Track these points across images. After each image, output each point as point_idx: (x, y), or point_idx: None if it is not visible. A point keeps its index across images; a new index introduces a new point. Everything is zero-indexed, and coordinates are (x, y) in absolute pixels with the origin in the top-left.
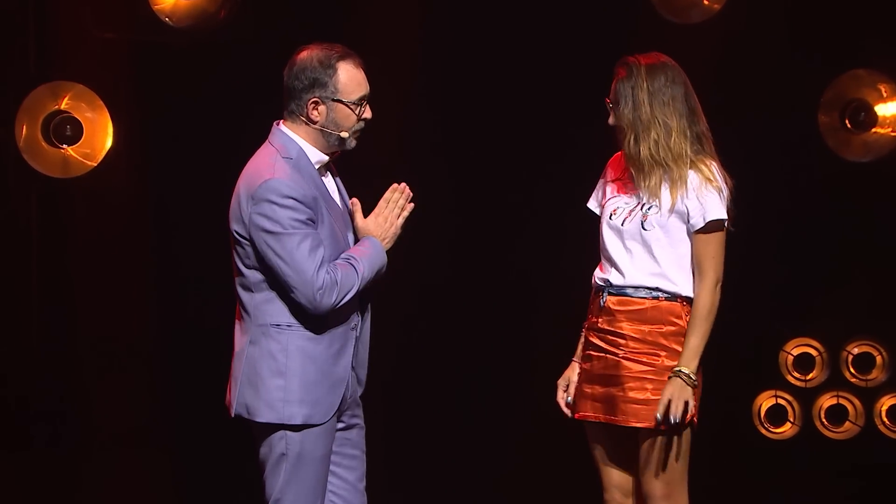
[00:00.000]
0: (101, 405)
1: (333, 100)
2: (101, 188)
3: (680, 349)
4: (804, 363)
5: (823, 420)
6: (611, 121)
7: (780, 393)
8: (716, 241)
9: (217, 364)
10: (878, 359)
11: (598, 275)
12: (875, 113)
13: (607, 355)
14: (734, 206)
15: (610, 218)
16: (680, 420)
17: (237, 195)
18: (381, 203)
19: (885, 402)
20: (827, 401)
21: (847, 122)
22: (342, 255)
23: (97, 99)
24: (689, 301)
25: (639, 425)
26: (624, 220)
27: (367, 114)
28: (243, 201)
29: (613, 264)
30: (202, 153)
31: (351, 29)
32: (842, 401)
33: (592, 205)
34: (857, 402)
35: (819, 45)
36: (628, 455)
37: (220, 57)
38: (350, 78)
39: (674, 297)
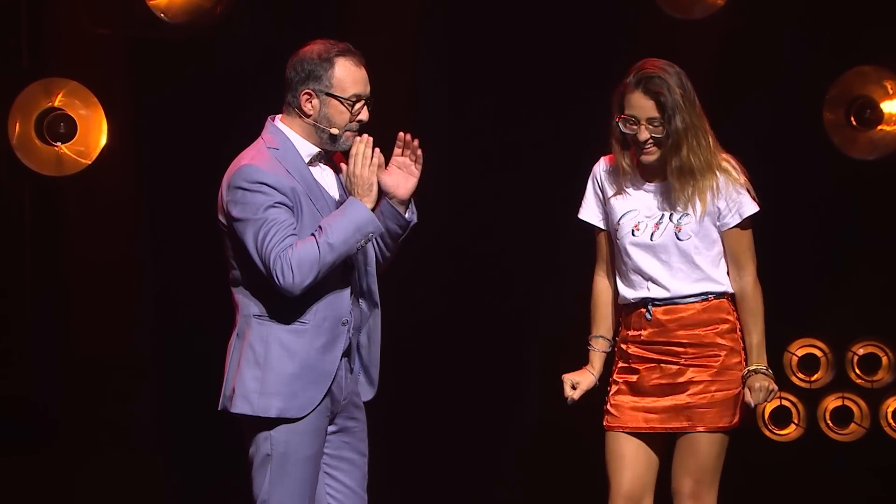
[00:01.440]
0: (94, 406)
1: (327, 94)
2: (95, 186)
3: (733, 345)
4: (809, 364)
5: (828, 422)
6: (644, 136)
7: (784, 394)
8: (749, 236)
9: (212, 364)
10: (885, 359)
11: (629, 294)
12: (881, 110)
13: (663, 365)
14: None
15: (633, 234)
16: (768, 399)
17: (220, 187)
18: (349, 162)
19: (892, 404)
20: (832, 402)
21: (852, 119)
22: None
23: (91, 96)
24: (732, 297)
25: (704, 429)
26: (652, 235)
27: (364, 115)
28: (223, 191)
29: (651, 280)
30: (198, 150)
31: (347, 23)
32: (847, 402)
33: (592, 217)
34: (862, 403)
35: (824, 40)
36: (654, 462)
37: (216, 53)
38: (346, 74)
39: (721, 295)
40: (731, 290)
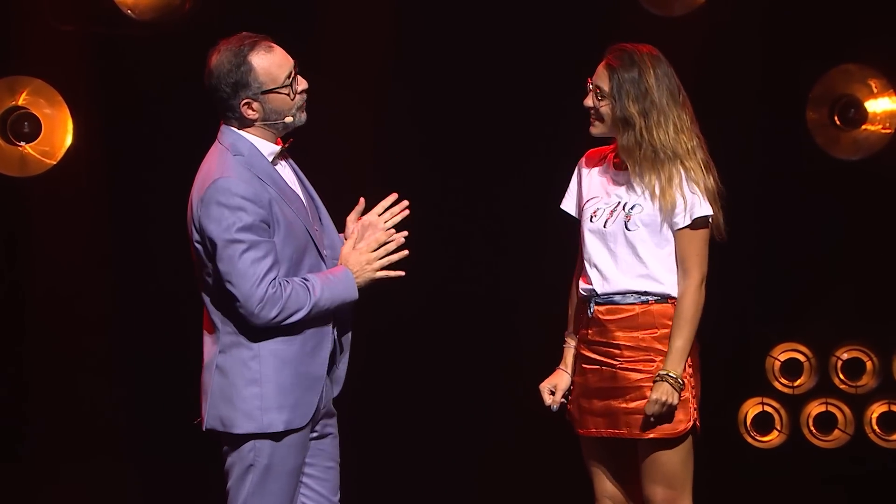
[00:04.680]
0: (57, 415)
1: (263, 92)
2: (60, 187)
3: None
4: (792, 369)
5: (812, 428)
6: (588, 102)
7: (766, 400)
8: (700, 239)
9: (180, 372)
10: (869, 364)
11: (582, 285)
12: (865, 109)
13: (602, 367)
14: (724, 214)
15: (591, 221)
16: (665, 423)
17: (191, 200)
18: (370, 234)
19: (876, 410)
20: (815, 408)
21: (836, 118)
22: (303, 276)
23: (56, 94)
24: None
25: (642, 436)
26: (606, 222)
27: (302, 85)
28: (195, 205)
29: (597, 270)
30: (166, 151)
31: (320, 18)
32: (831, 408)
33: (568, 206)
34: (846, 409)
35: (807, 38)
36: (624, 466)
37: (185, 50)
38: (268, 64)
39: (664, 298)
40: (674, 295)
